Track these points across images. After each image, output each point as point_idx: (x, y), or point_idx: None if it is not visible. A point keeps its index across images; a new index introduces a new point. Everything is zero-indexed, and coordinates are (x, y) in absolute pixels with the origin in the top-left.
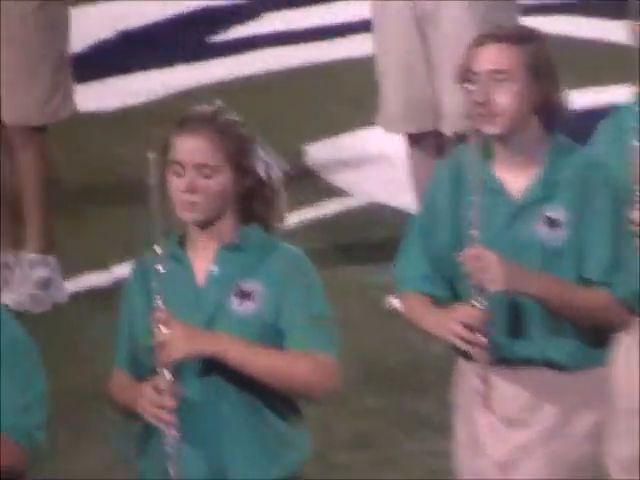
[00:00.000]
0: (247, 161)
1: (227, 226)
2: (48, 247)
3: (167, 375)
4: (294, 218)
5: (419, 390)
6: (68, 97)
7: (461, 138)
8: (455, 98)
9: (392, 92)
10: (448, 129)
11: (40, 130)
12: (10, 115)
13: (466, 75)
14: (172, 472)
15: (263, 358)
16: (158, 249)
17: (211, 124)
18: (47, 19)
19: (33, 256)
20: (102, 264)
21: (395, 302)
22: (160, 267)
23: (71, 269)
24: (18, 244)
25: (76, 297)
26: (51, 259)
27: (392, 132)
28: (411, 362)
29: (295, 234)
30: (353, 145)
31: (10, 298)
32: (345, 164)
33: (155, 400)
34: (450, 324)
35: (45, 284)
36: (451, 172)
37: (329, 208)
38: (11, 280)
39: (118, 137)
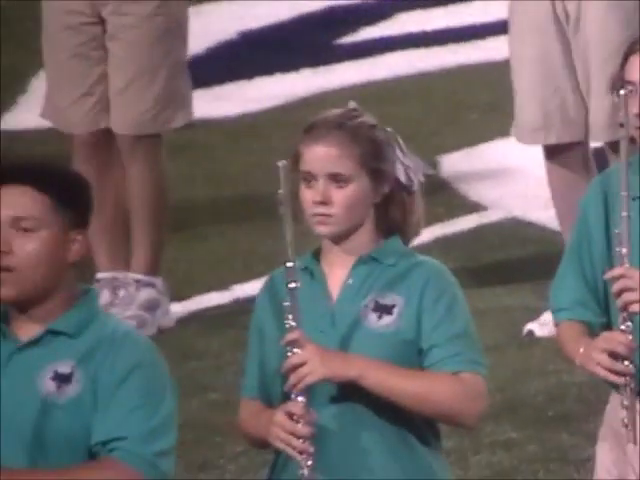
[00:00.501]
0: (384, 165)
1: (364, 238)
2: (155, 267)
3: (301, 401)
4: (426, 234)
5: (561, 421)
6: (185, 105)
7: (607, 149)
8: (599, 106)
9: (527, 99)
10: (594, 139)
11: (153, 140)
12: (121, 124)
13: (620, 84)
14: None
15: (405, 381)
16: (290, 264)
17: (341, 129)
18: (165, 22)
19: (139, 277)
20: (222, 283)
21: (535, 328)
22: (293, 284)
23: (188, 289)
24: (127, 264)
25: (192, 318)
26: (158, 281)
27: (526, 143)
28: (553, 391)
29: (428, 252)
30: (491, 156)
31: None
32: (482, 176)
33: (289, 428)
34: (594, 353)
35: (151, 307)
36: (603, 188)
37: (464, 224)
38: (116, 302)
39: (239, 146)
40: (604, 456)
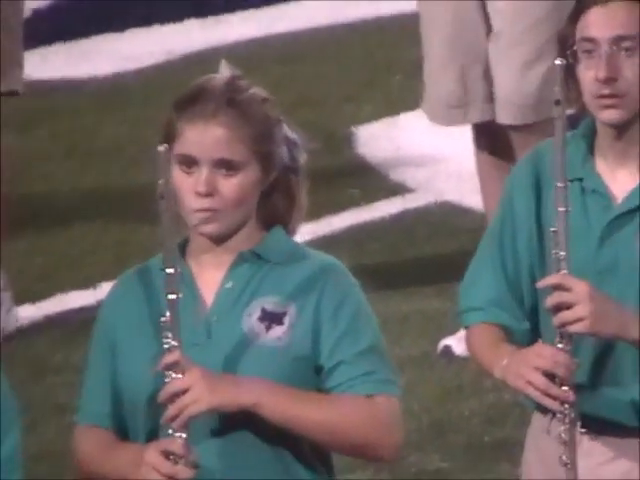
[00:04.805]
0: (274, 147)
1: (246, 231)
2: None
3: (180, 436)
4: (338, 222)
5: (500, 449)
6: (17, 65)
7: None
8: (525, 80)
9: (441, 68)
10: (506, 118)
11: None
12: None
13: (568, 44)
14: None
15: (310, 408)
16: (170, 271)
17: (232, 105)
18: None
19: None
20: (87, 280)
21: (452, 344)
22: (173, 295)
23: (44, 287)
24: None
25: (49, 324)
26: None
27: (441, 124)
28: (490, 412)
29: (339, 243)
30: (417, 127)
31: None
32: (407, 152)
33: (167, 470)
34: (526, 371)
35: None
36: (534, 170)
37: (385, 209)
38: None
39: (108, 115)
40: None
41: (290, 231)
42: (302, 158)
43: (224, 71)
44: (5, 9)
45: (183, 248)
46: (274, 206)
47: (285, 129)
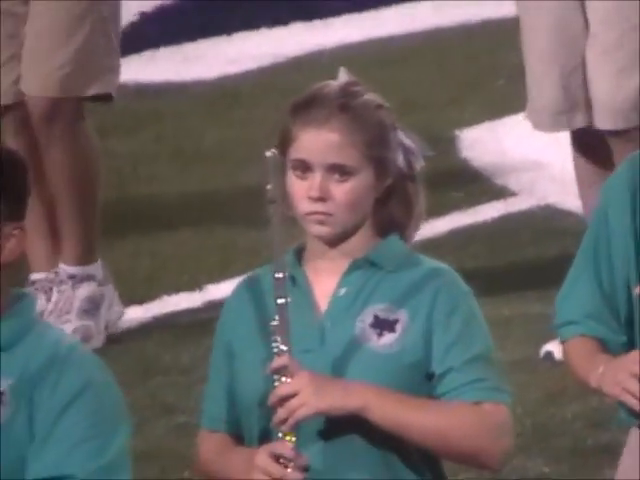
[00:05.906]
0: (389, 153)
1: (361, 238)
2: (89, 257)
3: (290, 439)
4: (441, 225)
5: (604, 453)
6: (107, 70)
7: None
8: (613, 84)
9: (545, 76)
10: (605, 124)
11: (69, 108)
12: (26, 84)
13: None
14: None
15: (418, 414)
16: (280, 275)
17: (345, 111)
18: None
19: (73, 270)
20: (193, 282)
21: (554, 350)
22: (282, 299)
23: (151, 289)
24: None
25: (156, 325)
26: (96, 268)
27: (546, 131)
28: (594, 416)
29: (442, 246)
30: (521, 130)
31: None
32: (510, 155)
33: (277, 473)
34: (622, 377)
35: (93, 306)
36: (630, 181)
37: (488, 213)
38: (50, 309)
39: (215, 117)
40: None
41: (407, 238)
42: (419, 165)
43: (342, 77)
44: (100, 13)
45: (300, 254)
46: (390, 213)
47: (401, 135)
